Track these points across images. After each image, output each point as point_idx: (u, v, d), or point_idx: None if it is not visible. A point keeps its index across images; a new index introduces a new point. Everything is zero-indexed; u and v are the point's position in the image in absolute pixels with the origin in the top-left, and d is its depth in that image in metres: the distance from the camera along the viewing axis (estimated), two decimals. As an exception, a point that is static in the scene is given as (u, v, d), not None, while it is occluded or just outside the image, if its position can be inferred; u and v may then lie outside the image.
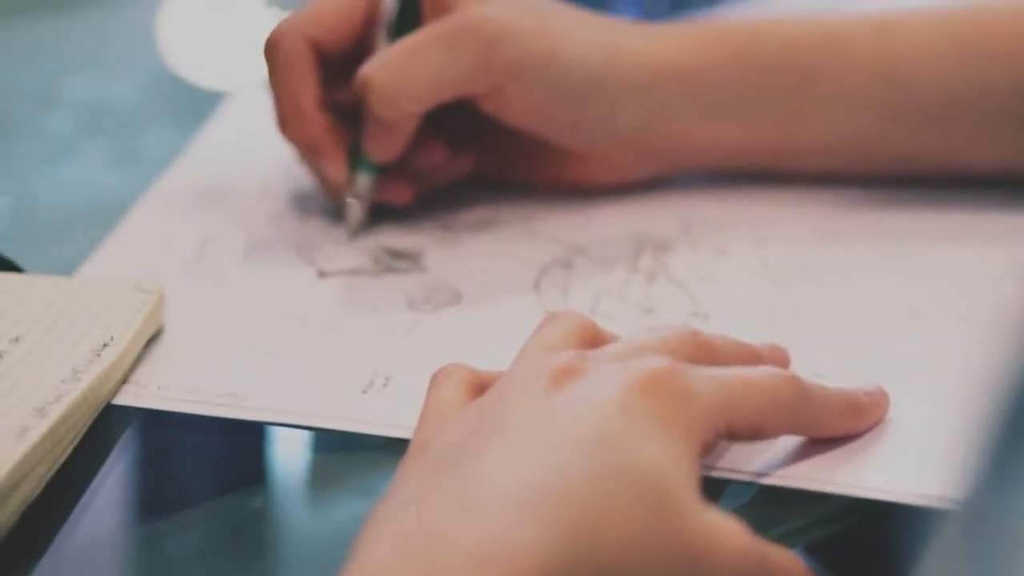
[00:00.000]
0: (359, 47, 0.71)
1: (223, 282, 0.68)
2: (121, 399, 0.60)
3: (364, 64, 0.68)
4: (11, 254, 0.68)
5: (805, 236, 0.70)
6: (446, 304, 0.66)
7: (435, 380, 0.55)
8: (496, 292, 0.67)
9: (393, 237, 0.71)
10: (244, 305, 0.66)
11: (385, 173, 0.71)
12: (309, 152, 0.71)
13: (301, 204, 0.74)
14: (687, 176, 0.74)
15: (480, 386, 0.54)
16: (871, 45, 0.70)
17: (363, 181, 0.70)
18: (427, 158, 0.72)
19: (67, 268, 0.68)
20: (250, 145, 0.79)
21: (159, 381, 0.61)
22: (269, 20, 0.89)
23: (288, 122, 0.70)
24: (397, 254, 0.70)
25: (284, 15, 0.71)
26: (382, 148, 0.69)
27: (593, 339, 0.55)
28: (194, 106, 0.87)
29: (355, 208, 0.71)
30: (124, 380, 0.61)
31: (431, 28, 0.67)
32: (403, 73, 0.67)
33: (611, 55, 0.69)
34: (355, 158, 0.70)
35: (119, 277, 0.65)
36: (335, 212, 0.72)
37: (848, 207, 0.72)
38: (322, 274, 0.68)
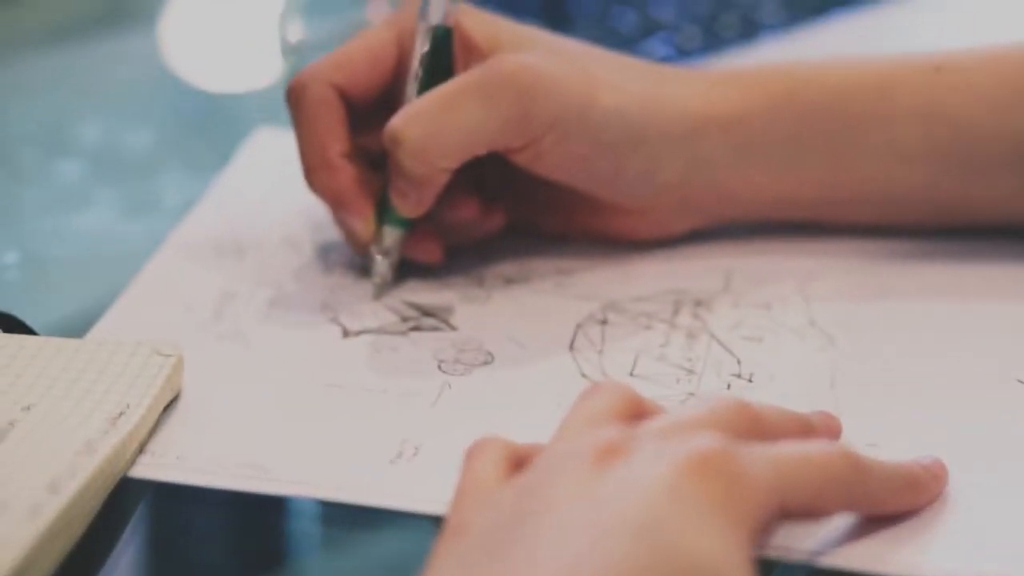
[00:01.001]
0: (387, 92, 0.68)
1: (243, 342, 0.65)
2: (137, 471, 0.57)
3: (393, 116, 0.64)
4: (22, 311, 0.66)
5: (853, 291, 0.67)
6: (477, 365, 0.63)
7: (471, 455, 0.52)
8: (529, 352, 0.64)
9: (420, 292, 0.68)
10: (266, 367, 0.63)
11: (414, 228, 0.68)
12: (335, 204, 0.67)
13: (324, 256, 0.71)
14: (726, 225, 0.71)
15: (518, 460, 0.52)
16: (923, 89, 0.67)
17: (390, 236, 0.67)
18: (457, 214, 0.69)
19: (80, 324, 0.66)
20: (270, 191, 0.76)
21: (177, 450, 0.58)
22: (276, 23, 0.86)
23: (314, 173, 0.67)
24: (425, 311, 0.67)
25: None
26: (411, 204, 0.66)
27: (637, 411, 0.52)
28: (211, 148, 0.84)
29: (382, 265, 0.68)
30: (140, 449, 0.58)
31: (465, 78, 0.64)
32: (435, 127, 0.64)
33: (651, 105, 0.66)
34: (383, 211, 0.67)
35: (135, 340, 0.61)
36: (359, 265, 0.69)
37: (897, 259, 0.69)
38: (347, 333, 0.65)
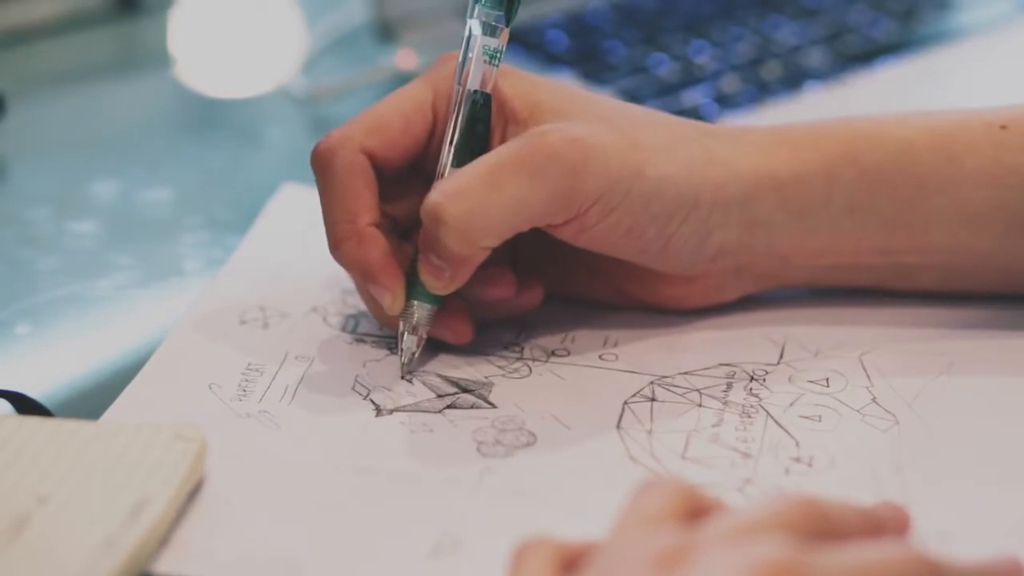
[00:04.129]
0: (419, 157, 0.65)
1: (270, 422, 0.61)
2: (159, 566, 0.54)
3: (432, 190, 0.61)
4: (34, 387, 0.64)
5: (916, 364, 0.64)
6: (519, 447, 0.60)
7: (519, 558, 0.49)
8: (574, 432, 0.61)
9: (456, 366, 0.65)
10: (294, 450, 0.60)
11: (444, 304, 0.64)
12: (364, 277, 0.63)
13: (354, 327, 0.67)
14: (778, 290, 0.68)
15: (569, 562, 0.49)
16: (990, 150, 0.64)
17: (420, 313, 0.63)
18: (493, 292, 0.65)
19: (96, 401, 0.62)
20: (297, 256, 0.72)
21: (201, 544, 0.55)
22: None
23: (342, 245, 0.63)
24: (462, 387, 0.63)
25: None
26: (444, 282, 0.62)
27: (695, 509, 0.49)
28: (233, 207, 0.82)
29: (410, 342, 0.63)
30: (162, 542, 0.55)
31: (508, 152, 0.61)
32: (479, 206, 0.60)
33: (700, 171, 0.63)
34: (411, 285, 0.63)
35: (155, 425, 0.58)
36: (392, 336, 0.66)
37: (962, 328, 0.66)
38: (379, 411, 0.62)
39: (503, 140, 0.63)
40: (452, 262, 0.61)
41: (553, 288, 0.67)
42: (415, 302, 0.63)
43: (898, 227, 0.65)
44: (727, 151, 0.64)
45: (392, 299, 0.63)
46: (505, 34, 0.63)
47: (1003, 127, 0.64)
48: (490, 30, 0.63)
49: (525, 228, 0.61)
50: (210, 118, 0.98)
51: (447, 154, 0.63)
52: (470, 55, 0.63)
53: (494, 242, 0.61)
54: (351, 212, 0.63)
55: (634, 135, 0.62)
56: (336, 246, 0.63)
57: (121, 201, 0.83)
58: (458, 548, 0.54)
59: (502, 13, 0.63)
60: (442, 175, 0.63)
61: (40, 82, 0.99)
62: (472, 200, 0.60)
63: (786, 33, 0.97)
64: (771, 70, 0.93)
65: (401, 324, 0.63)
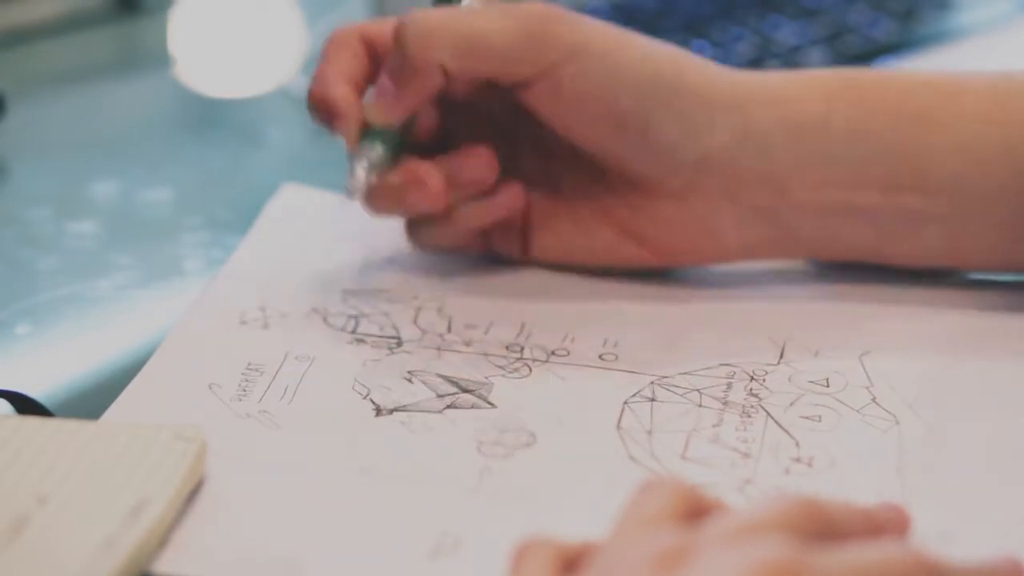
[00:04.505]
0: None
1: (270, 421, 0.61)
2: (159, 566, 0.54)
3: None
4: (34, 387, 0.64)
5: (919, 365, 0.64)
6: (519, 447, 0.60)
7: (519, 558, 0.49)
8: (574, 433, 0.61)
9: (456, 365, 0.65)
10: (294, 449, 0.60)
11: (402, 151, 0.66)
12: (323, 113, 0.66)
13: (354, 326, 0.67)
14: (778, 289, 0.68)
15: (568, 562, 0.49)
16: (994, 93, 0.64)
17: (374, 149, 0.65)
18: (470, 164, 0.66)
19: (96, 401, 0.62)
20: (297, 256, 0.72)
21: (201, 544, 0.55)
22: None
23: (313, 88, 0.66)
24: (462, 387, 0.63)
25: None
26: (388, 103, 0.64)
27: (695, 509, 0.49)
28: (233, 207, 0.82)
29: (360, 172, 0.65)
30: (162, 543, 0.55)
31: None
32: (448, 21, 0.63)
33: (688, 65, 0.64)
34: (370, 133, 0.66)
35: (155, 425, 0.58)
36: (391, 336, 0.66)
37: (967, 330, 0.65)
38: (379, 411, 0.62)
39: None
40: (403, 75, 0.63)
41: (559, 251, 0.68)
42: (365, 140, 0.65)
43: (899, 159, 0.64)
44: (713, 67, 0.64)
45: (348, 129, 0.65)
46: None
47: (1009, 77, 0.64)
48: None
49: (489, 63, 0.63)
50: (210, 118, 0.98)
51: None
52: None
53: (451, 60, 0.63)
54: (328, 66, 0.66)
55: (623, 32, 0.64)
56: (309, 92, 0.66)
57: (121, 201, 0.83)
58: (458, 548, 0.54)
59: None
60: None
61: (40, 82, 0.99)
62: (441, 15, 0.63)
63: (786, 33, 0.97)
64: (770, 70, 0.93)
65: (356, 157, 0.65)
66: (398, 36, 0.63)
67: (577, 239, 0.68)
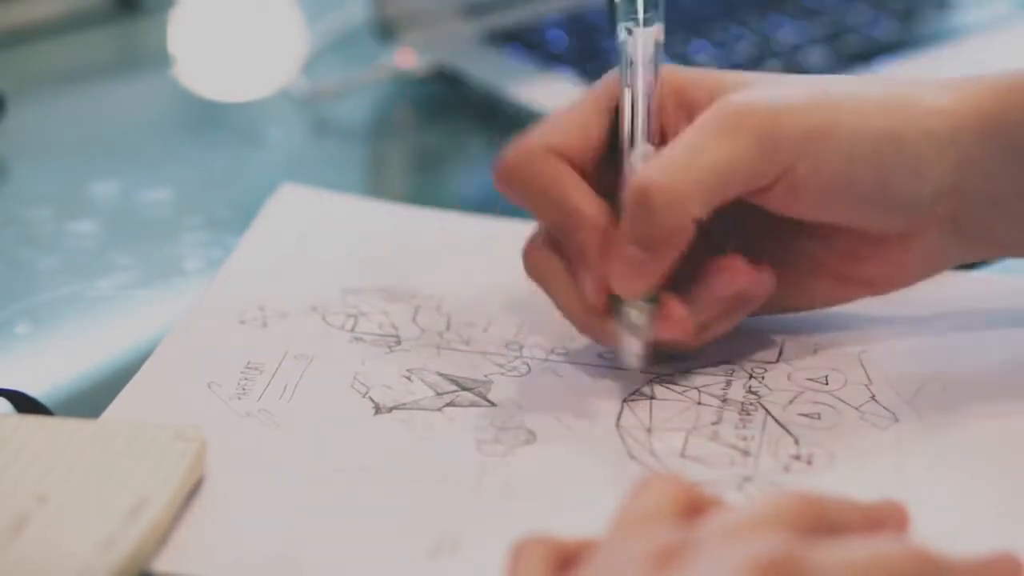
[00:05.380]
0: (599, 163, 0.63)
1: (269, 420, 0.61)
2: (159, 565, 0.54)
3: (633, 177, 0.60)
4: (34, 386, 0.63)
5: (918, 363, 0.64)
6: (518, 445, 0.60)
7: (517, 556, 0.49)
8: (573, 431, 0.61)
9: (455, 363, 0.64)
10: (293, 448, 0.60)
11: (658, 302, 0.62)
12: (580, 258, 0.62)
13: (353, 325, 0.67)
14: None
15: (567, 560, 0.49)
16: None
17: (635, 313, 0.61)
18: (724, 280, 0.62)
19: (96, 400, 0.62)
20: (295, 255, 0.72)
21: (201, 543, 0.55)
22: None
23: (563, 226, 0.62)
24: (461, 384, 0.63)
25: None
26: (643, 274, 0.60)
27: (693, 506, 0.49)
28: (233, 207, 0.82)
29: (631, 344, 0.61)
30: (161, 542, 0.55)
31: (701, 120, 0.60)
32: (684, 170, 0.59)
33: (897, 107, 0.61)
34: (621, 303, 0.61)
35: (154, 424, 0.58)
36: (390, 334, 0.66)
37: (966, 327, 0.66)
38: (379, 409, 0.62)
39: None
40: (658, 241, 0.59)
41: (773, 304, 0.64)
42: (627, 301, 0.61)
43: None
44: (920, 91, 0.62)
45: (595, 289, 0.61)
46: (659, 29, 0.63)
47: None
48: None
49: (736, 190, 0.60)
50: (210, 118, 0.98)
51: (628, 151, 0.62)
52: (631, 58, 0.62)
53: (702, 209, 0.59)
54: (563, 192, 0.61)
55: (820, 86, 0.61)
56: (556, 229, 0.62)
57: (121, 201, 0.83)
58: (458, 547, 0.54)
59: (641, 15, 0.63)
60: (633, 167, 0.61)
61: (40, 82, 0.99)
62: (677, 167, 0.59)
63: (786, 32, 0.97)
64: (772, 69, 0.93)
65: (626, 330, 0.61)
66: (641, 203, 0.59)
67: (792, 291, 0.65)
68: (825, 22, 0.99)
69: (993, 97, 0.62)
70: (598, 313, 0.62)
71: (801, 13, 1.00)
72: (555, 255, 0.63)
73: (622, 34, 0.63)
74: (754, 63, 0.94)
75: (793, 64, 0.94)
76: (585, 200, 0.61)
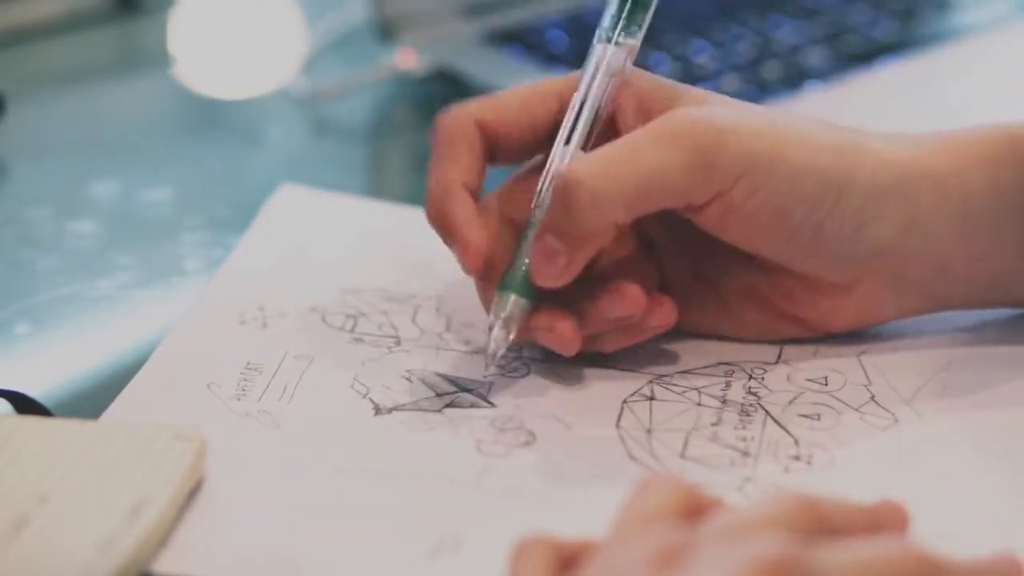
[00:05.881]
0: (534, 149, 0.64)
1: (269, 421, 0.61)
2: (159, 566, 0.54)
3: (561, 166, 0.60)
4: (34, 386, 0.64)
5: (918, 364, 0.64)
6: (518, 446, 0.60)
7: (517, 557, 0.49)
8: (573, 432, 0.61)
9: (455, 365, 0.64)
10: (293, 449, 0.60)
11: (536, 302, 0.61)
12: (444, 232, 0.62)
13: (353, 325, 0.67)
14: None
15: (567, 561, 0.49)
16: None
17: (514, 309, 0.61)
18: (619, 306, 0.61)
19: (96, 400, 0.62)
20: (295, 255, 0.72)
21: (201, 543, 0.55)
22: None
23: (429, 200, 0.63)
24: (461, 385, 0.63)
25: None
26: (557, 270, 0.60)
27: (694, 507, 0.49)
28: (233, 207, 0.82)
29: (499, 336, 0.61)
30: (161, 542, 0.55)
31: (644, 129, 0.59)
32: (615, 171, 0.58)
33: (850, 154, 0.60)
34: (513, 279, 0.61)
35: (154, 424, 0.58)
36: (391, 335, 0.66)
37: (965, 328, 0.65)
38: (379, 410, 0.62)
39: None
40: (574, 240, 0.59)
41: (703, 327, 0.65)
42: (511, 295, 0.61)
43: None
44: (879, 143, 0.61)
45: (470, 255, 0.61)
46: (632, 49, 0.63)
47: None
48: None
49: (661, 203, 0.59)
50: (210, 118, 0.98)
51: (560, 147, 0.62)
52: (596, 66, 0.63)
53: (625, 215, 0.59)
54: (445, 167, 0.62)
55: (774, 118, 0.61)
56: (425, 202, 0.63)
57: (121, 201, 0.83)
58: (458, 547, 0.54)
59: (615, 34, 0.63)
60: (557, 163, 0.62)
61: (40, 82, 0.99)
62: (607, 166, 0.59)
63: (786, 32, 0.97)
64: (771, 70, 0.93)
65: (490, 315, 0.62)
66: (564, 198, 0.59)
67: (724, 318, 0.65)
68: (825, 22, 0.99)
69: (953, 153, 0.61)
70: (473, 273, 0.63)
71: (801, 13, 1.00)
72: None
73: (596, 39, 0.63)
74: (754, 63, 0.94)
75: (793, 64, 0.94)
76: (457, 175, 0.62)
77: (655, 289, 0.63)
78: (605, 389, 0.63)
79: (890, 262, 0.61)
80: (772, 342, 0.65)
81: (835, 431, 0.60)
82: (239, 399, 0.62)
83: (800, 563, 0.45)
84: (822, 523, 0.48)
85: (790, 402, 0.62)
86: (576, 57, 0.94)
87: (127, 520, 0.54)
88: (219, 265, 0.71)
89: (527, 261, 0.61)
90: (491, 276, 0.62)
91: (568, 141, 0.62)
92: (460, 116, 0.63)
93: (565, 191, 0.59)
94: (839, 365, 0.64)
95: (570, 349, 0.62)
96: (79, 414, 0.60)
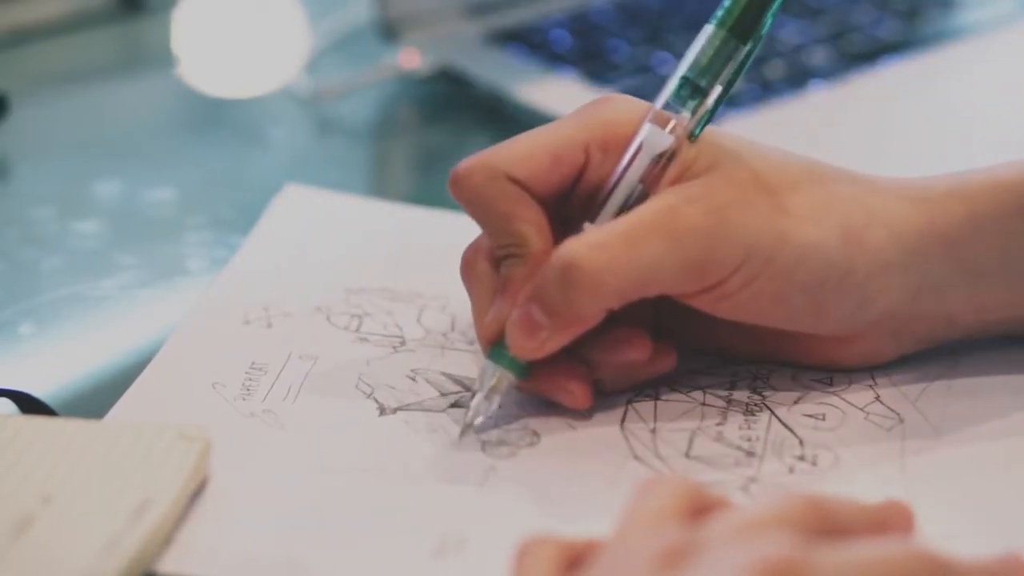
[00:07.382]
0: (560, 202, 0.61)
1: (273, 421, 0.61)
2: (163, 566, 0.54)
3: (570, 240, 0.58)
4: (38, 386, 0.63)
5: (923, 364, 0.63)
6: (523, 446, 0.60)
7: (522, 557, 0.49)
8: (578, 431, 0.61)
9: (459, 364, 0.64)
10: (297, 449, 0.60)
11: (530, 375, 0.60)
12: (505, 286, 0.61)
13: (357, 325, 0.67)
14: None
15: (571, 561, 0.49)
16: None
17: (500, 381, 0.60)
18: (626, 355, 0.61)
19: (100, 400, 0.62)
20: (299, 255, 0.72)
21: (205, 543, 0.55)
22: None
23: (505, 247, 0.61)
24: (466, 386, 0.63)
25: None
26: (536, 343, 0.59)
27: (699, 507, 0.49)
28: (236, 207, 0.82)
29: (479, 404, 0.60)
30: (165, 542, 0.55)
31: (648, 213, 0.58)
32: (615, 262, 0.57)
33: (856, 234, 0.59)
34: (502, 352, 0.60)
35: (159, 424, 0.58)
36: (396, 334, 0.66)
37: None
38: (383, 410, 0.62)
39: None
40: (563, 320, 0.58)
41: (694, 343, 0.64)
42: (500, 368, 0.60)
43: None
44: (891, 211, 0.60)
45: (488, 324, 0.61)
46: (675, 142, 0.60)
47: None
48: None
49: (652, 294, 0.59)
50: (214, 118, 0.98)
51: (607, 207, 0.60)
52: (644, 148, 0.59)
53: (617, 303, 0.58)
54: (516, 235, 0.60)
55: (783, 199, 0.59)
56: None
57: (125, 201, 0.83)
58: (463, 548, 0.54)
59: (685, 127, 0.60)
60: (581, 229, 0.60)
61: (44, 82, 0.99)
62: (610, 255, 0.57)
63: (790, 32, 0.97)
64: (775, 69, 0.93)
65: (477, 382, 0.61)
66: (563, 278, 0.57)
67: (719, 348, 0.64)
68: (829, 22, 0.99)
69: (949, 212, 0.60)
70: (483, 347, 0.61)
71: (805, 12, 1.00)
72: (490, 267, 0.62)
73: (649, 120, 0.60)
74: (757, 63, 0.94)
75: (797, 63, 0.94)
76: (532, 230, 0.60)
77: (651, 324, 0.62)
78: (609, 388, 0.63)
79: (896, 323, 0.61)
80: None
81: (840, 431, 0.60)
82: (243, 399, 0.62)
83: (805, 563, 0.45)
84: (827, 523, 0.48)
85: (795, 402, 0.62)
86: (580, 57, 0.95)
87: (131, 520, 0.54)
88: (223, 265, 0.71)
89: None
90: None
91: (595, 219, 0.60)
92: (492, 175, 0.60)
93: (566, 271, 0.58)
94: (844, 365, 0.64)
95: (582, 406, 0.61)
96: (83, 414, 0.60)
